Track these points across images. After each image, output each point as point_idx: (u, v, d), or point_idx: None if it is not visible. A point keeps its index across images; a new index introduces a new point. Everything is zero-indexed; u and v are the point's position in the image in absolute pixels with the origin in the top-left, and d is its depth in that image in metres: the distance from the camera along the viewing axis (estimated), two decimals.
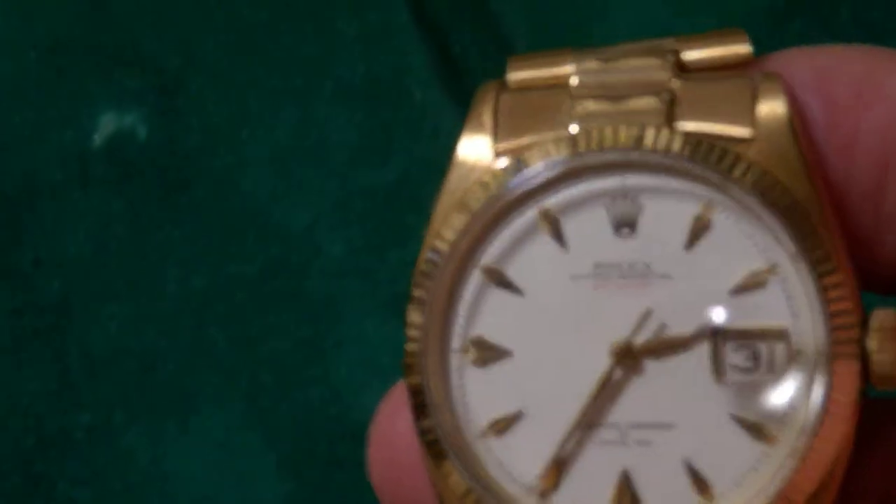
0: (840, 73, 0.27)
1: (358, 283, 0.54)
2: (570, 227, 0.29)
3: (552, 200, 0.29)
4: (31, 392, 0.55)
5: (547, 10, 0.57)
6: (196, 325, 0.55)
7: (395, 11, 0.58)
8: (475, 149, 0.29)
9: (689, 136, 0.27)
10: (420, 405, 0.29)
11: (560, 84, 0.29)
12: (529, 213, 0.29)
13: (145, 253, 0.56)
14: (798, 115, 0.27)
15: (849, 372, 0.26)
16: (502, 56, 0.56)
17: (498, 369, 0.29)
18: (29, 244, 0.57)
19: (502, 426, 0.29)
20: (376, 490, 0.31)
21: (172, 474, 0.54)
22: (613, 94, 0.28)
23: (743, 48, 0.28)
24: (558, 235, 0.29)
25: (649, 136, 0.27)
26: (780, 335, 0.27)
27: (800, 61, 0.28)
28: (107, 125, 0.57)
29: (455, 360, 0.29)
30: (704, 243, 0.28)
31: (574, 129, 0.28)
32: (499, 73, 0.56)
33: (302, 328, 0.54)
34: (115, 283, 0.56)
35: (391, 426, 0.30)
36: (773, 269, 0.27)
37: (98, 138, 0.57)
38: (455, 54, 0.58)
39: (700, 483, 0.27)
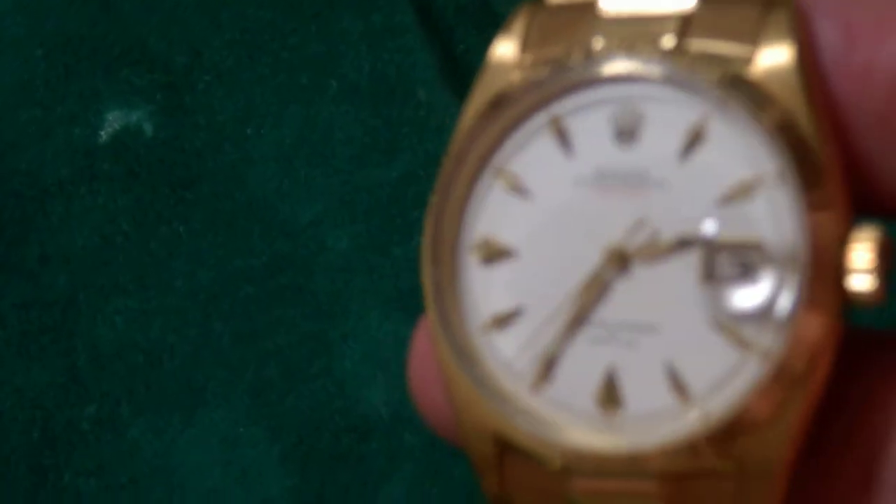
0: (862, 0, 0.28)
1: (363, 278, 0.55)
2: (575, 133, 0.30)
3: (561, 107, 0.30)
4: (38, 385, 0.55)
5: None
6: (202, 320, 0.55)
7: (399, 12, 0.58)
8: (503, 58, 0.30)
9: (694, 53, 0.28)
10: (433, 309, 0.30)
11: (590, 4, 0.30)
12: (540, 119, 0.30)
13: (152, 248, 0.56)
14: (809, 39, 0.28)
15: (823, 281, 0.27)
16: None
17: (500, 267, 0.30)
18: (36, 240, 0.57)
19: (502, 321, 0.30)
20: (416, 404, 0.32)
21: (178, 467, 0.54)
22: (636, 15, 0.29)
23: None
24: (564, 141, 0.30)
25: (657, 50, 0.29)
26: (761, 245, 0.28)
27: None
28: (113, 122, 0.58)
29: (462, 258, 0.30)
30: (698, 153, 0.29)
31: (595, 43, 0.29)
32: None
33: (307, 323, 0.55)
34: (122, 277, 0.56)
35: (426, 341, 0.31)
36: (760, 181, 0.28)
37: (105, 135, 0.58)
38: (459, 53, 0.58)
39: (678, 385, 0.28)
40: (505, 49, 0.30)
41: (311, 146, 0.57)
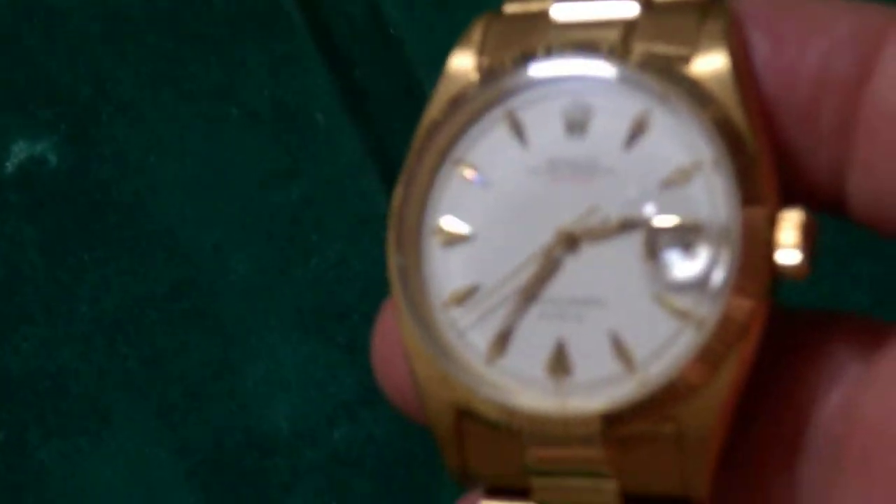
0: (790, 11, 0.31)
1: (264, 300, 0.57)
2: (529, 125, 0.32)
3: (515, 103, 0.32)
4: None
5: (445, 34, 0.60)
6: (108, 345, 0.57)
7: (299, 40, 0.60)
8: (461, 63, 0.33)
9: (638, 53, 0.31)
10: (398, 290, 0.32)
11: (542, 14, 0.33)
12: (496, 114, 0.33)
13: (58, 277, 0.58)
14: (741, 43, 0.31)
15: (754, 256, 0.30)
16: (403, 79, 0.58)
17: (460, 249, 0.33)
18: None
19: (460, 297, 0.32)
20: (380, 383, 0.34)
21: (87, 488, 0.55)
22: (584, 23, 0.32)
23: None
24: (519, 132, 0.32)
25: (604, 51, 0.32)
26: (698, 224, 0.31)
27: (756, 1, 0.31)
28: (19, 153, 0.59)
29: (425, 242, 0.33)
30: (642, 141, 0.31)
31: (547, 46, 0.32)
32: (399, 96, 0.59)
33: (210, 346, 0.56)
34: (29, 306, 0.57)
35: (388, 321, 0.34)
36: (698, 167, 0.31)
37: (10, 166, 0.59)
38: (356, 78, 0.60)
39: (623, 353, 0.31)
40: (462, 58, 0.33)
41: (213, 173, 0.59)
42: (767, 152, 0.30)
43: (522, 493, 0.32)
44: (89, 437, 0.56)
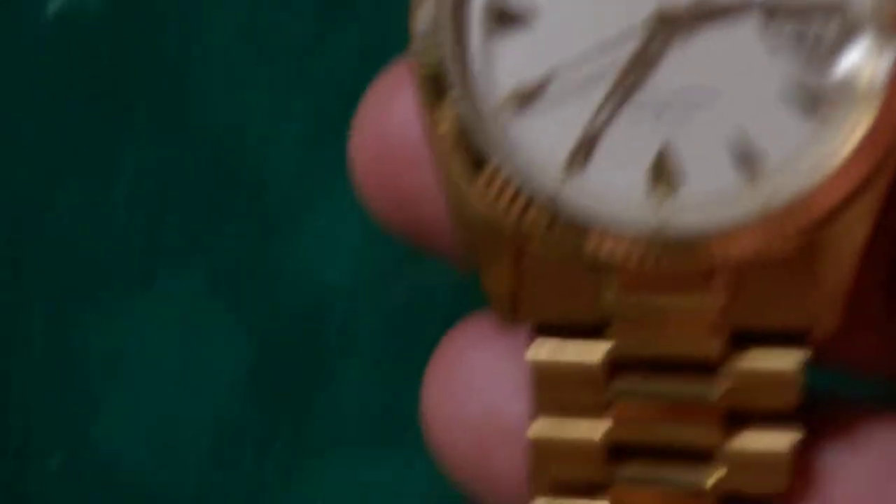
0: None
1: (316, 156, 0.54)
2: None
3: None
4: None
5: None
6: (156, 203, 0.54)
7: None
8: None
9: None
10: (433, 90, 0.26)
11: None
12: None
13: (100, 133, 0.55)
14: None
15: None
16: None
17: (523, 32, 0.26)
18: None
19: (526, 96, 0.26)
20: (362, 191, 0.28)
21: (137, 341, 0.53)
22: None
23: None
24: None
25: None
26: (836, 5, 0.25)
27: None
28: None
29: (475, 23, 0.26)
30: None
31: None
32: None
33: (261, 205, 0.54)
34: (70, 162, 0.54)
35: (384, 114, 0.28)
36: None
37: (51, 10, 0.56)
38: None
39: (746, 158, 0.26)
40: None
41: (261, 30, 0.56)
42: None
43: (592, 333, 0.26)
44: (135, 299, 0.53)
